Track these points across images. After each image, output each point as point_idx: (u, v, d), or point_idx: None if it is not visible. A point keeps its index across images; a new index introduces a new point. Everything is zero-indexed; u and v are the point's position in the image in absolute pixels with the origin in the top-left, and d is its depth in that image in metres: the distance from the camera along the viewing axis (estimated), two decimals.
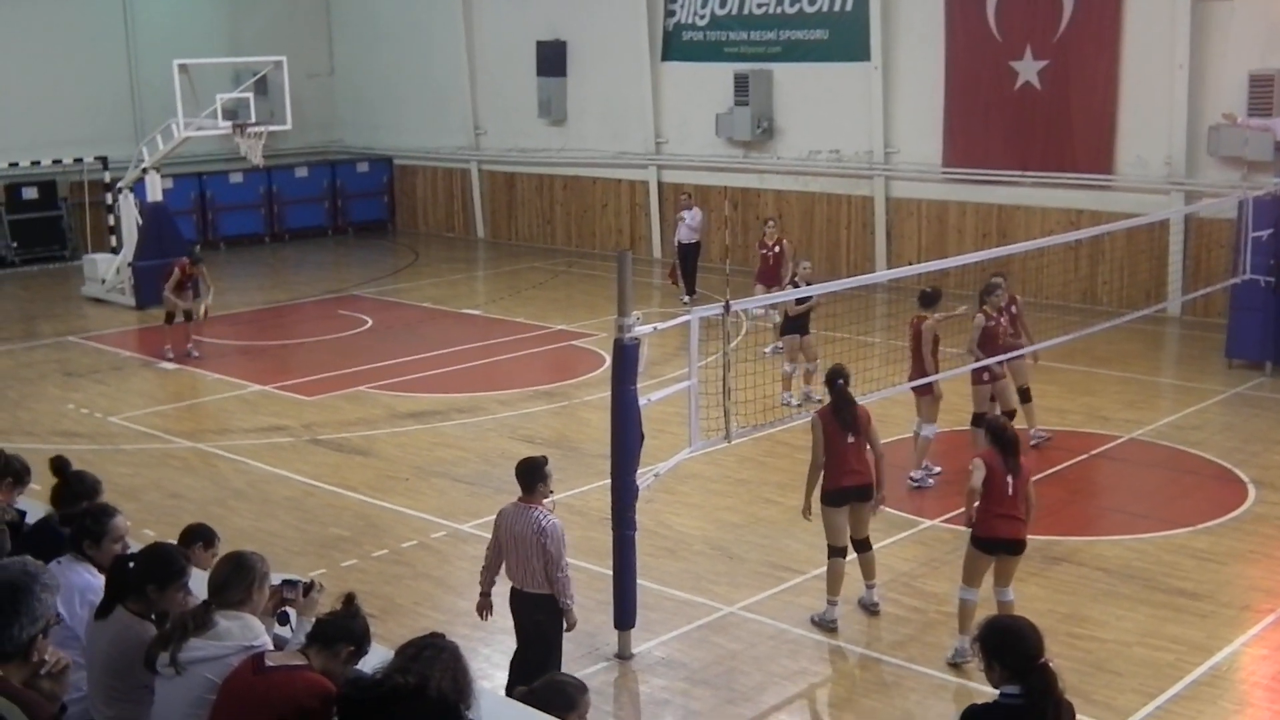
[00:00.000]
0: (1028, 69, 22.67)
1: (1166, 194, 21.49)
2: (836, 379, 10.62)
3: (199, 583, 6.18)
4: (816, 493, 10.45)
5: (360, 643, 5.50)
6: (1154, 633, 10.28)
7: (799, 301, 15.85)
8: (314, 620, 5.82)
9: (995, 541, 9.60)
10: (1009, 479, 9.51)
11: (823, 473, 10.38)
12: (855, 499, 10.44)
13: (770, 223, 20.77)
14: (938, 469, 13.78)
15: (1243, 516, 12.86)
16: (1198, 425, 15.85)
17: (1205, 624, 10.45)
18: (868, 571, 10.73)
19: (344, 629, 5.50)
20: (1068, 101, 22.41)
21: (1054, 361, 17.09)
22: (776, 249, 19.94)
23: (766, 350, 18.41)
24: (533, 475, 8.82)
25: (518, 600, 8.90)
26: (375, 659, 5.46)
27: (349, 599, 5.70)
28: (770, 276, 19.64)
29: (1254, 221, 17.41)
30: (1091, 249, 21.82)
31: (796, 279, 16.51)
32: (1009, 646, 5.29)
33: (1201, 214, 20.42)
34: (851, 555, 10.58)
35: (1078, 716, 8.80)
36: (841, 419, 10.38)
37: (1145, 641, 10.14)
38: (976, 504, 9.57)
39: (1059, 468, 14.26)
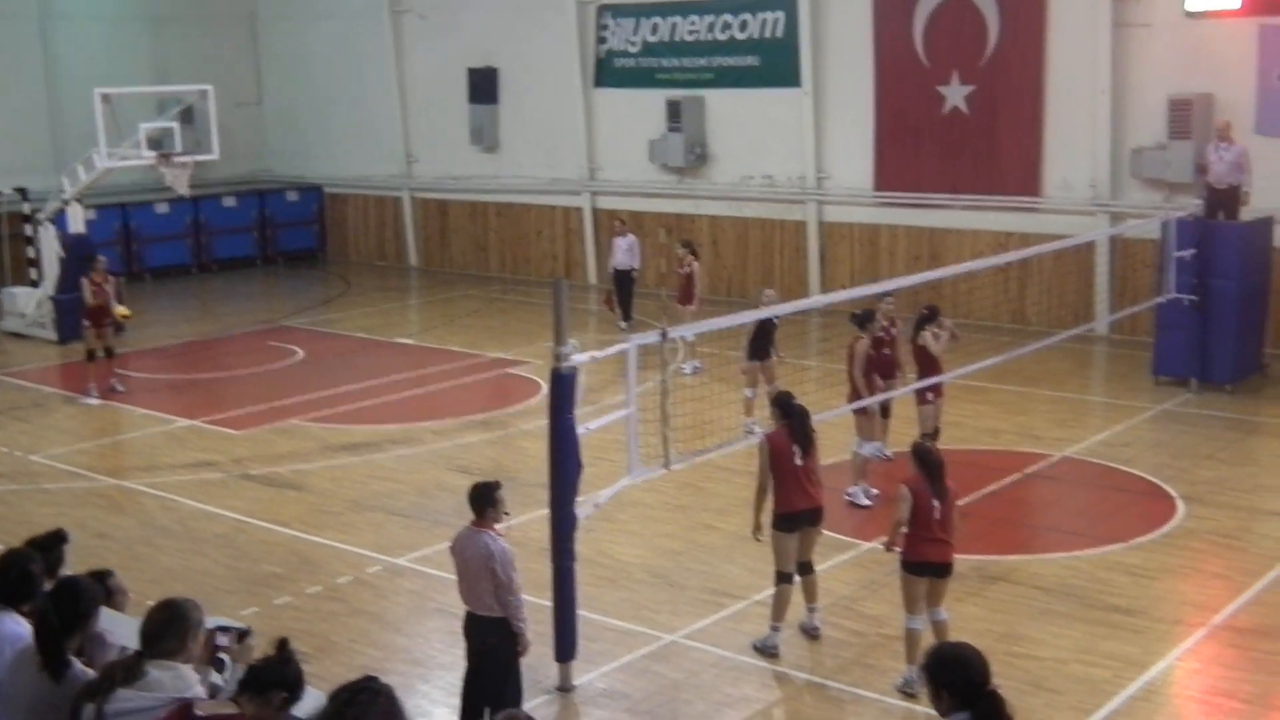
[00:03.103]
0: (955, 94, 22.96)
1: (1092, 215, 21.81)
2: (789, 400, 10.69)
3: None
4: (767, 515, 10.46)
5: (294, 689, 5.40)
6: (1090, 650, 10.39)
7: (761, 332, 15.97)
8: (247, 667, 5.72)
9: (925, 565, 9.69)
10: (935, 503, 9.60)
11: (774, 496, 10.41)
12: (807, 523, 10.49)
13: (680, 245, 20.83)
14: (875, 491, 13.87)
15: (1173, 532, 13.04)
16: (1127, 442, 16.06)
17: (1139, 640, 10.57)
18: (810, 594, 10.76)
19: (277, 675, 5.39)
20: (995, 126, 22.71)
21: (986, 382, 17.26)
22: (687, 270, 20.05)
23: (685, 369, 18.49)
24: (483, 499, 8.86)
25: (469, 623, 8.94)
26: (310, 703, 5.39)
27: (282, 644, 5.60)
28: (685, 297, 19.92)
29: (1177, 241, 17.70)
30: (1021, 271, 22.08)
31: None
32: (956, 674, 5.25)
33: (1126, 235, 20.74)
34: (795, 579, 10.60)
35: None
36: (800, 436, 10.42)
37: (1081, 658, 10.24)
38: (902, 531, 9.67)
39: (993, 487, 14.39)
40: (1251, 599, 11.38)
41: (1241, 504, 13.88)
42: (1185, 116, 20.41)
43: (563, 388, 9.71)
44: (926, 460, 9.74)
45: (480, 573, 8.70)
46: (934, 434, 14.00)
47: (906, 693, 9.63)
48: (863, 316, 14.04)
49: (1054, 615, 11.07)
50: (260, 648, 5.96)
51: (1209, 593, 11.72)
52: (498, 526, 8.88)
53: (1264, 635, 10.64)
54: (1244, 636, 10.68)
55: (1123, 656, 10.25)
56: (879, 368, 14.09)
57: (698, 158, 26.01)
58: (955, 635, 10.08)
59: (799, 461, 10.39)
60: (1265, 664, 10.16)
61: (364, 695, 4.90)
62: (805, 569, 10.65)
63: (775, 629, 10.45)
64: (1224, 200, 18.26)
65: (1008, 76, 22.43)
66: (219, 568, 12.68)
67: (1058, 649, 10.41)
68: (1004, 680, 9.60)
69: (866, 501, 13.76)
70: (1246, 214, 18.47)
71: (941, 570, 9.74)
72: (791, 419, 10.51)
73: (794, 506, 10.35)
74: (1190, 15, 20.65)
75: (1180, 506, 13.69)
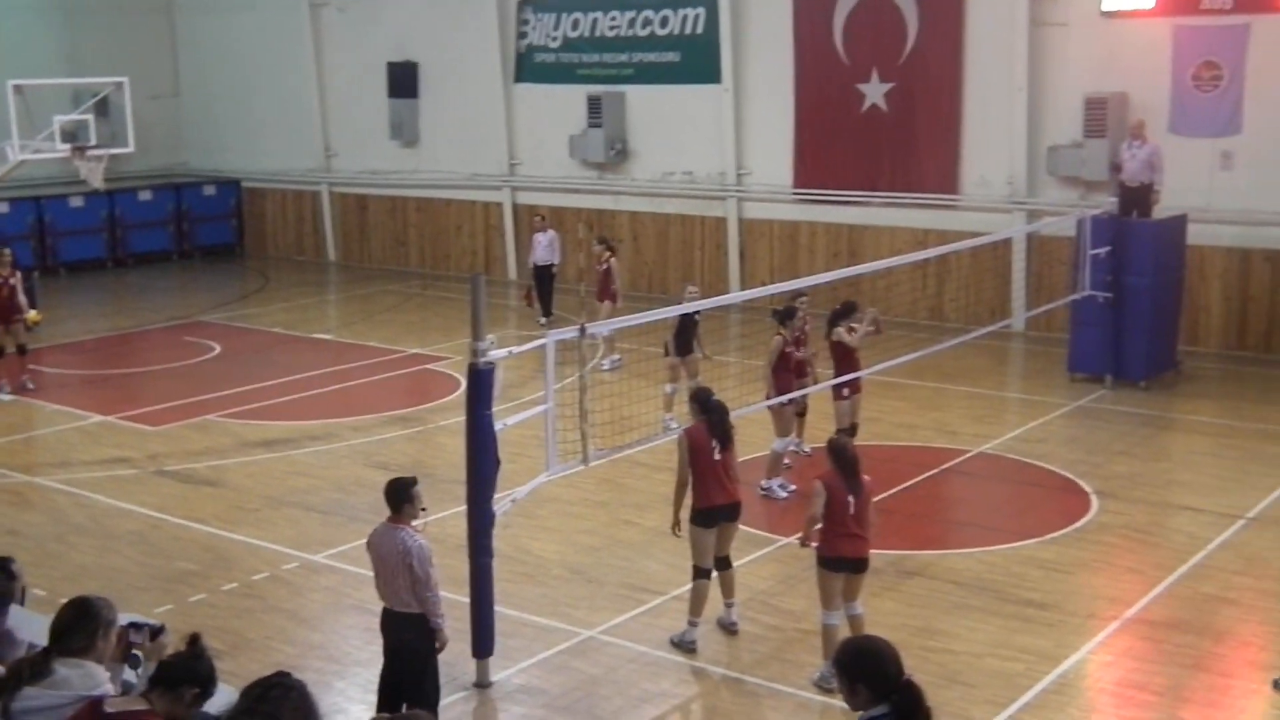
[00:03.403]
0: (874, 91, 23.11)
1: (1009, 213, 22.06)
2: (708, 396, 10.70)
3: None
4: (686, 511, 10.46)
5: (205, 684, 5.33)
6: (1004, 643, 10.49)
7: (684, 328, 15.96)
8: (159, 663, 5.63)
9: (841, 561, 9.73)
10: (850, 499, 9.64)
11: (693, 492, 10.41)
12: (725, 519, 10.50)
13: (597, 242, 20.78)
14: (793, 486, 13.92)
15: (1086, 527, 13.21)
16: (1042, 438, 16.26)
17: (1053, 633, 10.69)
18: (727, 590, 10.76)
19: (188, 671, 5.33)
20: (913, 123, 22.90)
21: (904, 378, 17.40)
22: (605, 266, 20.02)
23: (605, 365, 18.50)
24: (398, 495, 8.79)
25: (386, 620, 8.85)
26: (222, 700, 5.31)
27: (193, 639, 5.52)
28: (603, 293, 19.92)
29: (1092, 239, 17.94)
30: (939, 268, 22.29)
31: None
32: (870, 668, 5.18)
33: (1043, 232, 20.99)
34: (713, 574, 10.62)
35: None
36: (719, 432, 10.42)
37: (996, 652, 10.33)
38: (817, 527, 9.72)
39: (910, 483, 14.49)
40: (1163, 592, 11.55)
41: (1154, 499, 14.10)
42: (1101, 115, 20.71)
43: (480, 383, 9.64)
44: (841, 456, 9.77)
45: (397, 569, 8.64)
46: (852, 430, 14.09)
47: (823, 687, 9.66)
48: (784, 313, 14.09)
49: (969, 610, 11.17)
50: (173, 645, 5.87)
51: (1122, 586, 11.87)
52: (414, 523, 8.81)
53: (1175, 628, 10.79)
54: (1156, 629, 10.83)
55: (1037, 650, 10.36)
56: (795, 365, 14.14)
57: (618, 153, 25.99)
58: (872, 630, 10.15)
59: (718, 457, 10.40)
60: (1176, 656, 10.30)
61: (276, 691, 4.84)
62: (723, 564, 10.66)
63: (693, 624, 10.45)
64: (1136, 198, 18.53)
65: (926, 74, 22.63)
66: (133, 565, 12.47)
67: (973, 643, 10.50)
68: (919, 674, 9.69)
69: (784, 495, 13.82)
70: (1158, 212, 18.75)
71: (858, 566, 9.79)
72: (710, 415, 10.52)
73: (712, 501, 10.36)
74: (1106, 15, 20.96)
75: (1094, 501, 13.88)
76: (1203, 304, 20.60)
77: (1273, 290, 20.22)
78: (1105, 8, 20.90)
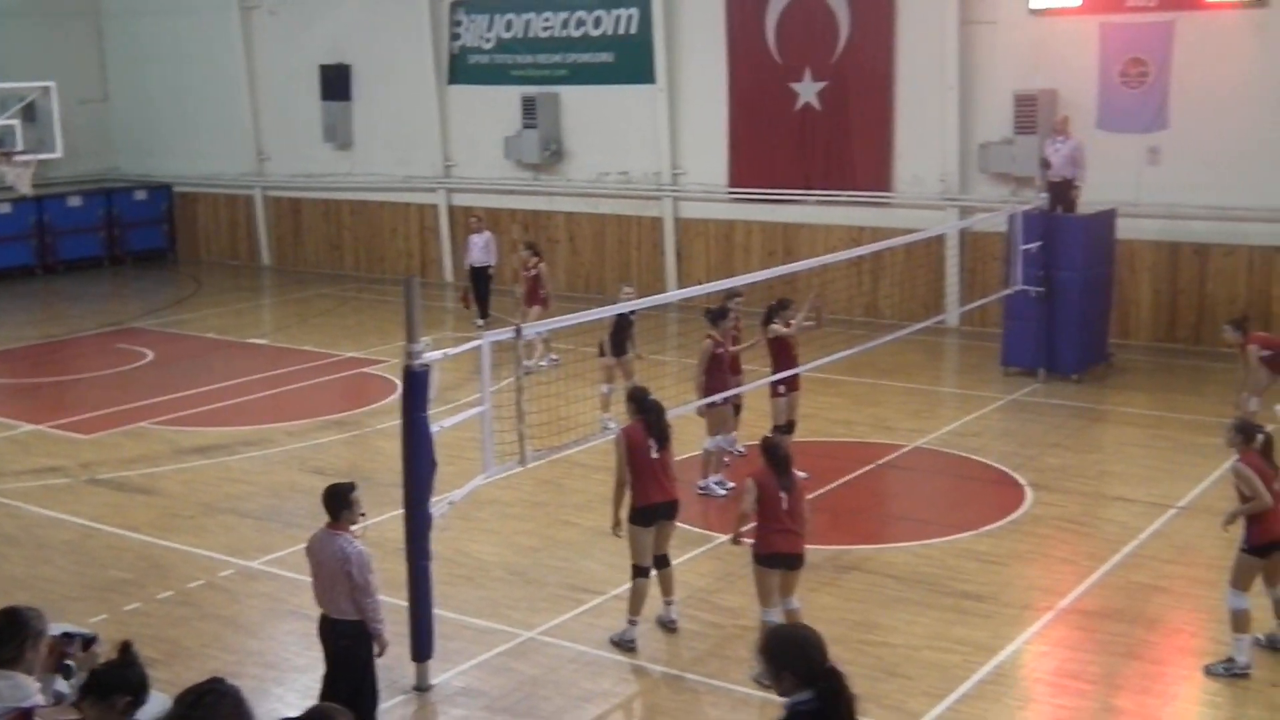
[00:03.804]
0: (808, 90, 23.24)
1: (942, 210, 22.26)
2: (645, 396, 10.72)
3: None
4: (626, 510, 10.47)
5: (137, 692, 5.28)
6: (941, 635, 10.58)
7: (619, 328, 15.95)
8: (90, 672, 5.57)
9: (776, 557, 9.81)
10: (783, 495, 9.74)
11: (631, 491, 10.43)
12: (664, 517, 10.52)
13: (524, 248, 20.70)
14: (731, 484, 13.97)
15: (1021, 519, 13.36)
16: (977, 432, 16.42)
17: (989, 624, 10.80)
18: (666, 588, 10.79)
19: (119, 679, 5.27)
20: (846, 122, 23.04)
21: (840, 374, 17.51)
22: (534, 271, 19.91)
23: (543, 364, 18.48)
24: (337, 501, 8.74)
25: (325, 626, 8.80)
26: (156, 708, 5.26)
27: (125, 647, 5.47)
28: (531, 298, 19.77)
29: (1023, 234, 18.14)
30: (873, 265, 22.42)
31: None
32: (796, 655, 5.28)
33: (975, 228, 21.19)
34: (652, 572, 10.63)
35: None
36: (655, 431, 10.45)
37: (933, 644, 10.42)
38: (752, 524, 9.84)
39: (848, 478, 14.59)
40: (1097, 582, 11.70)
41: (1087, 490, 14.28)
42: (1030, 112, 20.93)
43: (416, 386, 9.62)
44: (774, 454, 9.88)
45: (336, 576, 8.58)
46: (789, 427, 14.15)
47: (762, 684, 9.68)
48: (715, 313, 14.11)
49: (906, 603, 11.26)
50: (106, 654, 5.82)
51: (1056, 577, 12.01)
52: (353, 528, 8.76)
53: (1108, 617, 10.94)
54: (1089, 619, 10.97)
55: (973, 641, 10.46)
56: (731, 364, 14.17)
57: (553, 154, 25.97)
58: (810, 624, 10.23)
59: (655, 455, 10.42)
60: (1110, 645, 10.44)
61: (210, 697, 4.81)
62: (661, 562, 10.68)
63: (632, 623, 10.46)
64: (1059, 193, 18.75)
65: (858, 73, 22.78)
66: (66, 575, 12.31)
67: (910, 636, 10.59)
68: (858, 668, 9.81)
69: (721, 493, 13.87)
70: (1083, 207, 18.98)
71: (793, 562, 9.87)
72: (647, 414, 10.55)
73: (650, 500, 10.38)
74: (1034, 13, 21.19)
75: (1028, 494, 14.03)
76: (1133, 297, 20.89)
77: (1201, 283, 20.55)
78: (1033, 5, 21.14)
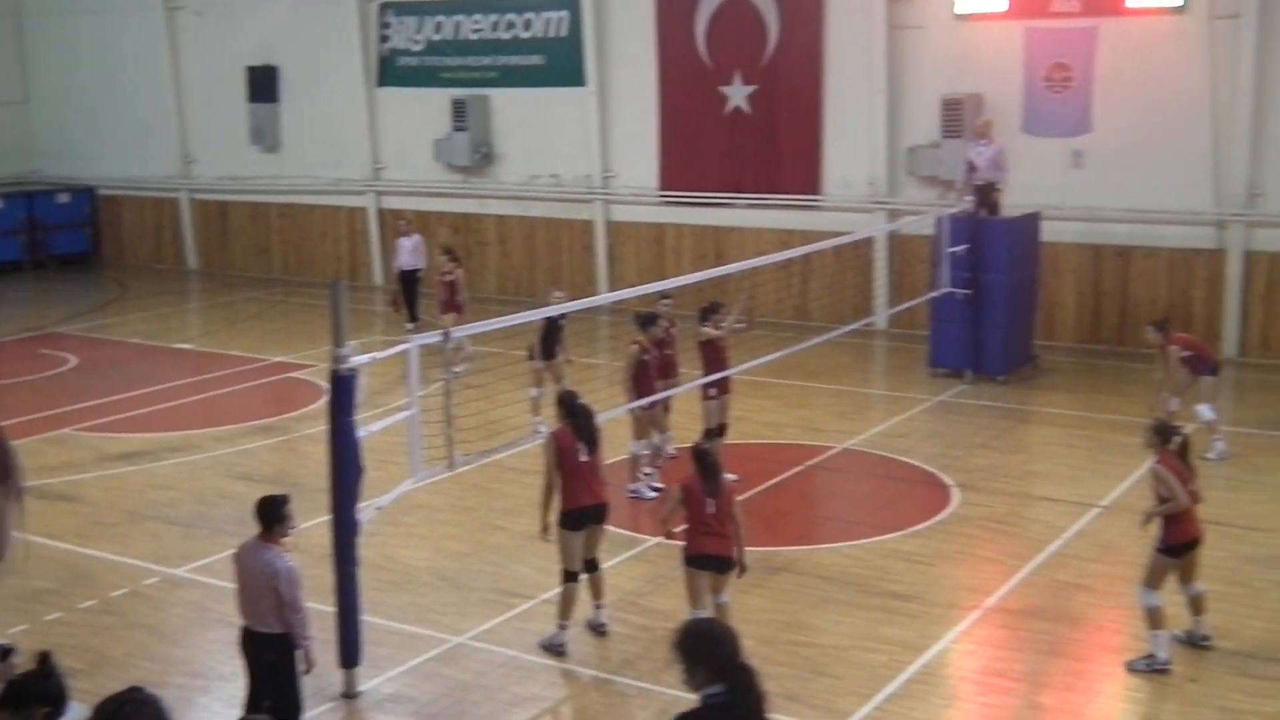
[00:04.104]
0: (737, 94, 23.34)
1: (870, 213, 22.43)
2: (574, 400, 10.72)
3: None
4: (555, 514, 10.46)
5: (56, 703, 5.20)
6: (869, 635, 10.66)
7: (549, 332, 15.92)
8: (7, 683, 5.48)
9: (704, 559, 9.89)
10: (709, 500, 9.83)
11: (560, 494, 10.42)
12: (593, 520, 10.52)
13: (442, 253, 20.59)
14: (661, 484, 13.99)
15: (948, 519, 13.49)
16: (905, 433, 16.56)
17: (916, 624, 10.90)
18: (596, 592, 10.79)
19: (38, 689, 5.18)
20: (776, 125, 23.17)
21: (770, 377, 17.59)
22: (450, 278, 19.77)
23: (459, 370, 18.40)
24: (270, 514, 8.61)
25: (248, 640, 8.67)
26: (76, 718, 5.18)
27: (44, 657, 5.38)
28: (448, 305, 19.55)
29: (950, 237, 18.33)
30: (803, 267, 22.55)
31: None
32: (708, 648, 5.40)
33: (903, 231, 21.36)
34: (582, 576, 10.62)
35: None
36: (585, 434, 10.46)
37: (861, 644, 10.50)
38: (683, 526, 9.96)
39: (777, 479, 14.67)
40: (1021, 581, 11.84)
41: (1013, 490, 14.45)
42: (957, 116, 21.16)
43: (342, 390, 9.56)
44: (702, 461, 10.00)
45: (264, 590, 8.46)
46: (720, 430, 14.20)
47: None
48: (645, 319, 14.10)
49: (835, 603, 11.34)
50: (25, 665, 5.72)
51: (982, 576, 12.14)
52: (285, 541, 8.64)
53: (1033, 616, 11.07)
54: (1015, 618, 11.10)
55: (900, 641, 10.55)
56: (659, 367, 14.17)
57: (484, 157, 25.91)
58: (740, 626, 10.23)
59: (584, 459, 10.43)
60: (1034, 643, 10.57)
61: (129, 706, 4.75)
62: (591, 566, 10.68)
63: (562, 627, 10.45)
64: (982, 196, 18.96)
65: (788, 77, 22.91)
66: None
67: (838, 636, 10.66)
68: (787, 668, 9.88)
69: (651, 495, 13.89)
70: (1006, 209, 19.20)
71: (721, 564, 9.94)
72: (576, 418, 10.55)
73: (580, 503, 10.38)
74: (960, 18, 21.43)
75: (955, 494, 14.18)
76: (1057, 299, 21.16)
77: (1124, 284, 20.86)
78: (959, 10, 21.38)
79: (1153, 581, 10.02)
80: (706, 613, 9.86)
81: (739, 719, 5.33)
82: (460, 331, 11.99)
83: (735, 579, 10.11)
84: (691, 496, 9.85)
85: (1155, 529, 10.13)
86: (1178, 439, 10.21)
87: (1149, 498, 10.32)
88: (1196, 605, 10.32)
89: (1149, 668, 9.93)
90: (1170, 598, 10.12)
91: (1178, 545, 10.00)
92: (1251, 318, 20.13)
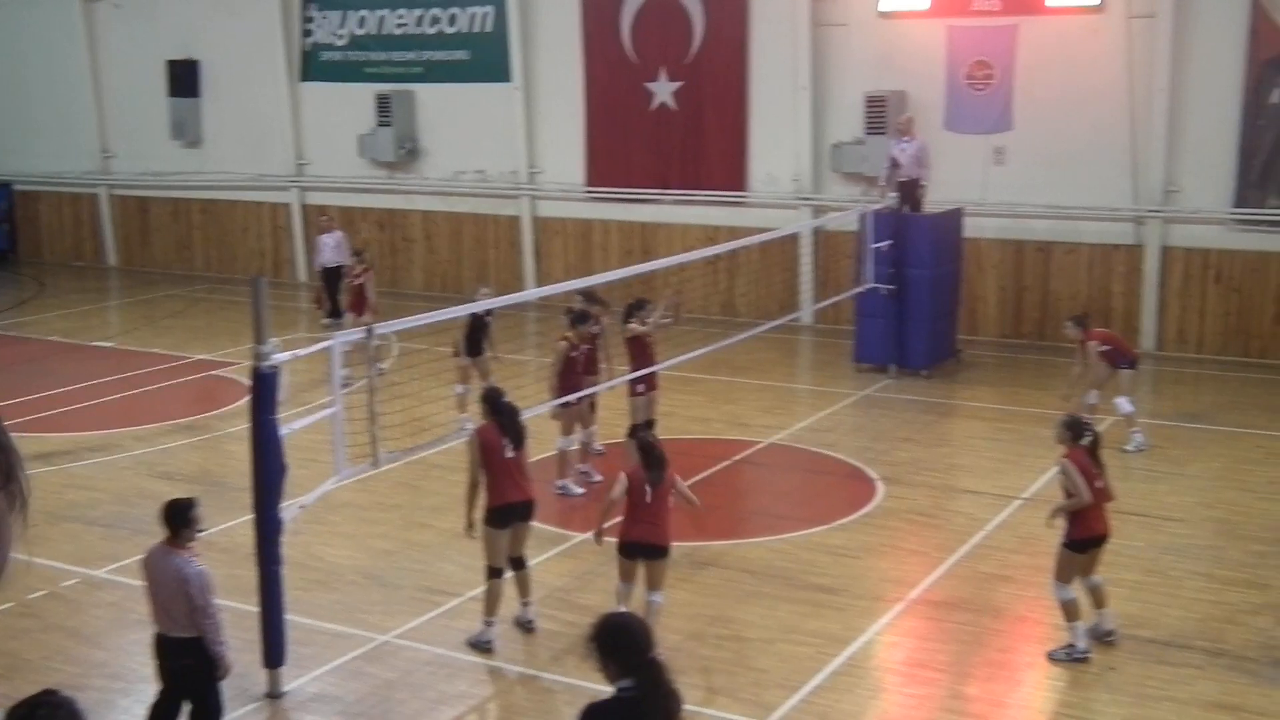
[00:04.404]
0: (663, 90, 23.37)
1: (795, 209, 22.55)
2: (498, 398, 10.69)
3: None
4: (481, 511, 10.42)
5: None
6: (795, 628, 10.73)
7: (474, 328, 15.85)
8: None
9: (634, 545, 10.03)
10: (648, 488, 9.97)
11: (486, 491, 10.39)
12: (519, 518, 10.49)
13: (352, 255, 20.42)
14: (599, 476, 13.99)
15: (873, 512, 13.61)
16: (830, 428, 16.68)
17: (841, 616, 10.98)
18: (524, 589, 10.76)
19: None
20: (702, 122, 23.23)
21: (697, 372, 17.64)
22: (359, 280, 19.53)
23: (383, 366, 18.29)
24: (177, 518, 8.47)
25: (162, 646, 8.52)
26: None
27: None
28: (357, 306, 19.22)
29: (874, 233, 18.47)
30: (729, 263, 22.64)
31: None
32: (619, 643, 5.58)
33: (828, 227, 21.53)
34: (508, 573, 10.60)
35: (726, 715, 9.17)
36: (511, 431, 10.43)
37: (787, 637, 10.56)
38: (618, 516, 10.08)
39: (704, 474, 14.69)
40: (945, 573, 11.97)
41: (936, 483, 14.60)
42: (881, 112, 21.31)
43: (264, 388, 9.47)
44: (647, 452, 10.16)
45: (175, 595, 8.30)
46: (648, 425, 14.19)
47: None
48: (577, 315, 14.08)
49: (761, 597, 11.40)
50: None
51: (906, 569, 12.26)
52: (192, 545, 8.50)
53: (956, 607, 11.20)
54: (938, 609, 11.22)
55: (826, 634, 10.63)
56: (584, 364, 14.17)
57: (409, 152, 25.75)
58: (667, 620, 10.31)
59: (510, 455, 10.40)
60: (958, 634, 10.69)
61: (43, 710, 4.65)
62: (518, 564, 10.66)
63: (489, 624, 10.41)
64: (905, 193, 19.14)
65: (713, 73, 22.97)
66: None
67: (765, 629, 10.72)
68: (714, 662, 9.91)
69: (578, 492, 13.89)
70: (929, 206, 19.39)
71: (652, 552, 10.04)
72: (500, 416, 10.52)
73: (506, 499, 10.36)
74: (883, 15, 21.59)
75: (880, 487, 14.30)
76: (980, 294, 21.40)
77: (1045, 280, 21.14)
78: (882, 8, 21.54)
79: (1063, 576, 10.15)
80: (625, 607, 9.91)
81: (647, 713, 5.49)
82: (385, 328, 11.89)
83: (669, 573, 10.17)
84: (632, 484, 10.00)
85: (1062, 524, 10.25)
86: (1089, 435, 10.33)
87: (1061, 493, 10.45)
88: (1097, 598, 10.36)
89: (1069, 657, 10.08)
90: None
91: (1082, 541, 10.12)
92: (1168, 312, 20.49)
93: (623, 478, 10.07)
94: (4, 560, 1.58)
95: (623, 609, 9.83)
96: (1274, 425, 16.17)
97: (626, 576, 10.16)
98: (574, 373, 13.87)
